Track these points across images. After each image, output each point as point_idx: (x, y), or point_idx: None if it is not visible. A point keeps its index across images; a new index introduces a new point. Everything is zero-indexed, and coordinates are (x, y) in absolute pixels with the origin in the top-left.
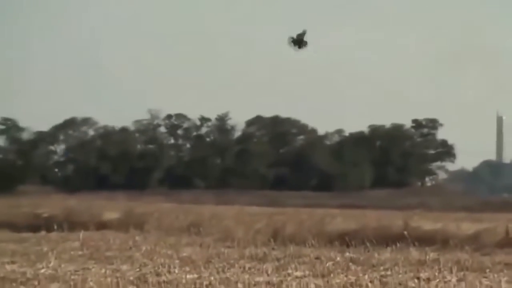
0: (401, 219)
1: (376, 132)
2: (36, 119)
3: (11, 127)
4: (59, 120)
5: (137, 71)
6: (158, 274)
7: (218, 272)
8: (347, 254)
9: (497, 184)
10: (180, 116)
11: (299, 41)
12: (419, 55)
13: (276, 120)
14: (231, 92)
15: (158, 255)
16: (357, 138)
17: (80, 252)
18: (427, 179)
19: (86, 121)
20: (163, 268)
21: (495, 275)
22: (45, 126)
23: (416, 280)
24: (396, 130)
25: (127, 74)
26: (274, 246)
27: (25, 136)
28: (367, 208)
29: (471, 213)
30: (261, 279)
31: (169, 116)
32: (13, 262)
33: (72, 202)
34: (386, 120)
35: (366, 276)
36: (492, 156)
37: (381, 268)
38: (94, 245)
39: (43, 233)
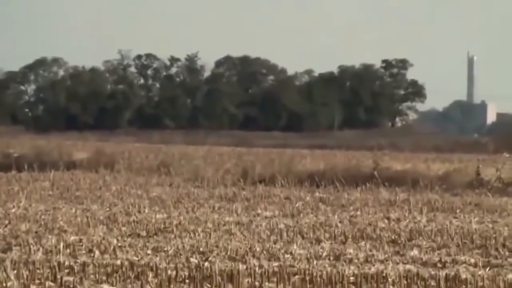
0: (371, 159)
1: (345, 72)
2: (6, 59)
3: None
4: (30, 60)
5: (108, 12)
6: (128, 214)
7: (187, 212)
8: (317, 194)
9: (468, 124)
10: (150, 56)
11: None
12: None
13: (245, 60)
14: (201, 32)
15: (128, 195)
16: (327, 79)
17: (50, 192)
18: (397, 119)
19: (56, 61)
20: (133, 208)
21: (465, 216)
22: (15, 66)
23: (386, 220)
24: (366, 70)
25: (98, 15)
26: (244, 186)
27: None
28: (336, 148)
29: (441, 154)
30: (230, 219)
31: (139, 56)
32: None
33: (42, 142)
34: (356, 60)
35: (336, 216)
36: (462, 96)
37: (351, 208)
38: (64, 185)
39: (13, 172)
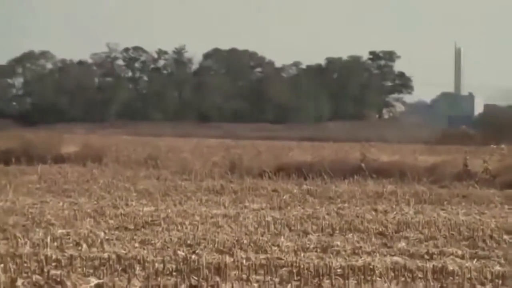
0: (358, 151)
1: (333, 64)
2: None
3: None
4: (17, 53)
5: (95, 5)
6: (115, 207)
7: (175, 205)
8: (304, 186)
9: (455, 116)
10: (137, 49)
11: None
12: None
13: (233, 53)
14: (188, 25)
15: (115, 188)
16: (315, 71)
17: (38, 185)
18: (384, 111)
19: (44, 54)
20: (121, 201)
21: (453, 207)
22: (2, 60)
23: (373, 212)
24: (353, 62)
25: (85, 8)
26: (231, 178)
27: None
28: (324, 140)
29: (428, 146)
30: (218, 211)
31: (126, 49)
32: None
33: (30, 135)
34: (343, 52)
35: (323, 209)
36: (450, 88)
37: (338, 200)
38: (52, 178)
39: (0, 166)
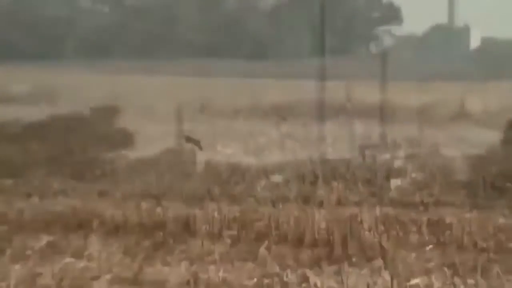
0: (343, 89)
1: None
2: None
3: None
4: None
5: None
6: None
7: (139, 151)
8: (284, 128)
9: (449, 50)
10: None
11: None
12: None
13: None
14: None
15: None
16: (295, 0)
17: None
18: (371, 45)
19: None
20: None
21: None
22: None
23: (360, 158)
24: None
25: None
26: (202, 120)
27: None
28: (305, 78)
29: (421, 83)
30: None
31: None
32: None
33: None
34: None
35: (304, 153)
36: (443, 19)
37: (321, 144)
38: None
39: None
